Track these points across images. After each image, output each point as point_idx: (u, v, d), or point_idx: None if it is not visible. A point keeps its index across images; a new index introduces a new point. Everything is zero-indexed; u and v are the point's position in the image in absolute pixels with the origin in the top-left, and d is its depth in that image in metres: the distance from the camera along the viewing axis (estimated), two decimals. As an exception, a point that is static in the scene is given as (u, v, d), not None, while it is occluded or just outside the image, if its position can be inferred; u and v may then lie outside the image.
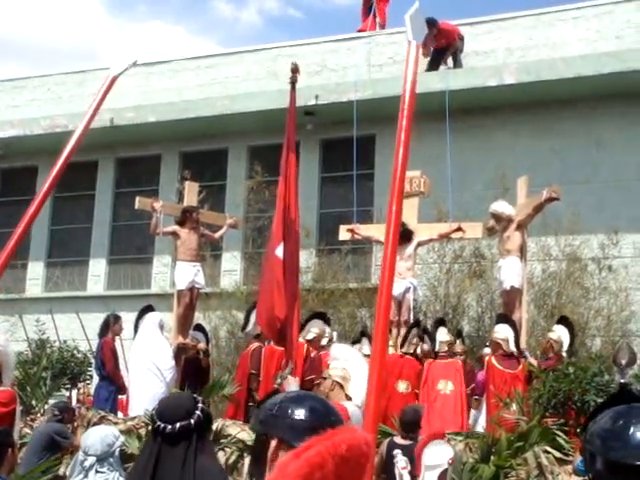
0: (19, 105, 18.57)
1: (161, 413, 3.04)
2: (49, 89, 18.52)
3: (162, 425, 2.99)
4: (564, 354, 9.79)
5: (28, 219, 2.93)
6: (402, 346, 10.40)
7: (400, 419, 7.85)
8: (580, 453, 2.05)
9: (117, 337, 11.17)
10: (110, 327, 11.01)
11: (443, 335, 10.29)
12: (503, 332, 9.84)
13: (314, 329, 10.49)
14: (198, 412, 3.04)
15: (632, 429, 1.94)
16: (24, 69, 49.64)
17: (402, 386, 9.92)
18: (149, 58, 18.13)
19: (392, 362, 10.02)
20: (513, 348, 9.71)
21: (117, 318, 11.19)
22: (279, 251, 8.54)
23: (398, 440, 7.52)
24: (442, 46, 14.73)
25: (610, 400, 2.11)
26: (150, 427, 3.11)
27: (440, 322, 10.94)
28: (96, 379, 11.70)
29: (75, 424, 8.86)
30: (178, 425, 2.97)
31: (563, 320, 10.52)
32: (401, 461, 7.54)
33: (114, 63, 3.35)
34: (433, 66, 14.87)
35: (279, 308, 8.40)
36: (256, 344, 10.43)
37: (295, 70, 9.10)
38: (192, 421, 2.99)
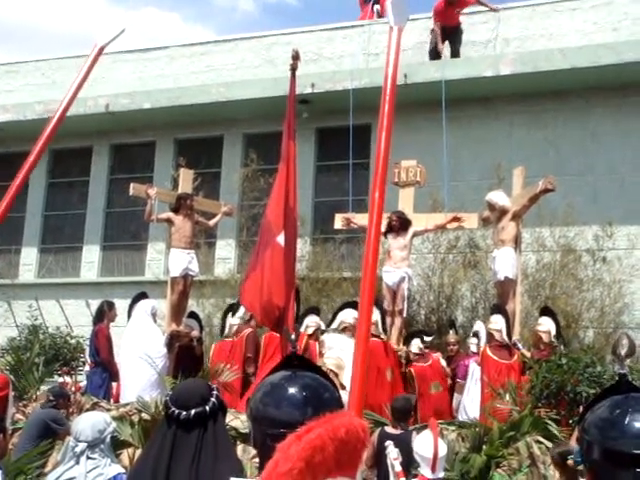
0: (13, 90, 18.48)
1: (175, 399, 3.03)
2: (44, 74, 18.43)
3: (177, 411, 2.98)
4: (555, 344, 9.85)
5: (7, 202, 2.90)
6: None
7: (391, 408, 7.86)
8: (577, 442, 2.06)
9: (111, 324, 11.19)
10: (105, 314, 11.01)
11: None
12: (499, 323, 9.90)
13: (312, 323, 10.50)
14: (213, 399, 3.02)
15: (629, 418, 1.96)
16: (19, 54, 49.48)
17: (434, 388, 10.05)
18: (144, 44, 18.08)
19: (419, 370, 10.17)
20: (506, 338, 9.77)
21: (111, 305, 11.20)
22: (280, 239, 8.52)
23: (389, 430, 7.53)
24: (456, 24, 14.77)
25: (608, 390, 2.11)
26: (164, 413, 3.09)
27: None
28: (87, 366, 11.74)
29: (70, 410, 8.85)
30: (193, 412, 2.96)
31: (546, 310, 10.57)
32: (392, 452, 7.55)
33: (102, 33, 3.31)
34: (435, 53, 14.87)
35: (278, 296, 8.40)
36: (249, 329, 10.45)
37: (296, 57, 9.07)
38: (207, 408, 2.98)
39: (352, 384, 1.85)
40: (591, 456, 1.97)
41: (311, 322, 10.54)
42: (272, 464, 1.49)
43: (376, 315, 10.23)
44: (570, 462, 6.15)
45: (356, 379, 1.85)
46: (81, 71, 3.02)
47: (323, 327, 10.61)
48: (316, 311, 11.09)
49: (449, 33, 14.85)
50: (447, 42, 14.91)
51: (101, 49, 3.24)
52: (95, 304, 12.25)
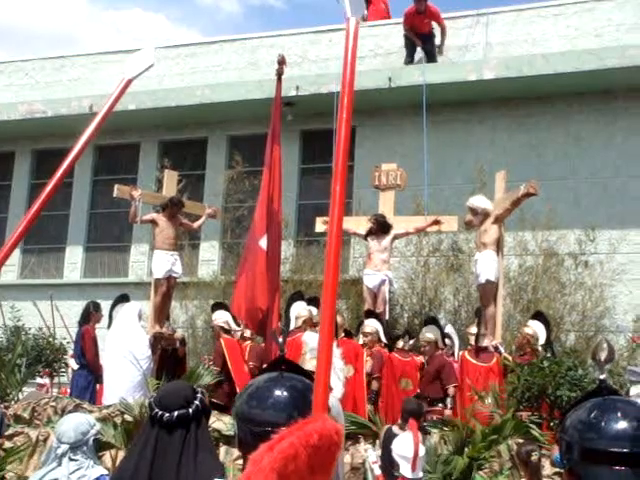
0: (-4, 90, 18.40)
1: (159, 401, 3.04)
2: (27, 74, 18.35)
3: (160, 413, 2.99)
4: (539, 349, 9.85)
5: (38, 206, 2.89)
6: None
7: (402, 409, 7.89)
8: (557, 444, 2.15)
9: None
10: (91, 315, 11.00)
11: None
12: (476, 327, 10.01)
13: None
14: (197, 402, 3.04)
15: (606, 419, 2.04)
16: (1, 54, 49.19)
17: (404, 383, 10.08)
18: (129, 45, 18.05)
19: (396, 361, 10.20)
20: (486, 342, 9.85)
21: (97, 306, 11.20)
22: (263, 242, 8.56)
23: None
24: (428, 31, 14.82)
25: (588, 395, 2.19)
26: (148, 414, 3.11)
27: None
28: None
29: None
30: (176, 413, 2.98)
31: (538, 315, 10.58)
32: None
33: (129, 65, 3.31)
34: (410, 49, 14.96)
35: (261, 299, 8.43)
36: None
37: (282, 62, 9.06)
38: (190, 410, 3.00)
39: (316, 386, 1.87)
40: (570, 456, 2.05)
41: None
42: (245, 476, 1.50)
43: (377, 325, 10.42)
44: (534, 458, 6.21)
45: (320, 381, 1.87)
46: (107, 103, 3.01)
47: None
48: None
49: (422, 39, 14.92)
50: (421, 48, 15.00)
51: (128, 82, 3.23)
52: (78, 305, 12.21)
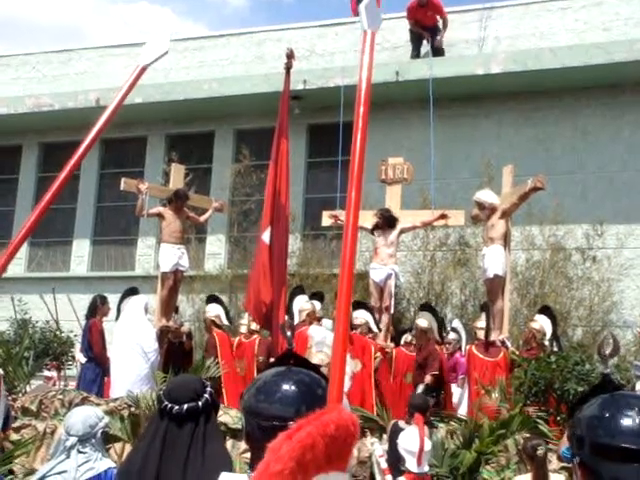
0: (3, 83, 18.41)
1: (169, 393, 3.05)
2: (34, 67, 18.37)
3: (169, 405, 2.99)
4: (546, 343, 9.85)
5: (48, 199, 2.87)
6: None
7: (408, 403, 7.90)
8: (567, 439, 2.16)
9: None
10: (98, 309, 11.03)
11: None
12: (484, 322, 9.98)
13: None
14: (206, 395, 3.05)
15: (618, 416, 2.06)
16: (8, 47, 49.21)
17: (409, 378, 10.10)
18: (135, 39, 18.04)
19: (401, 356, 10.19)
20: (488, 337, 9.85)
21: (104, 299, 11.22)
22: (266, 236, 8.58)
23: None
24: (432, 24, 14.79)
25: (594, 389, 2.22)
26: (157, 407, 3.11)
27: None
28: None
29: None
30: (186, 406, 2.98)
31: (545, 309, 10.56)
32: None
33: (144, 52, 3.30)
34: (416, 43, 14.95)
35: (265, 293, 8.44)
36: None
37: (291, 56, 9.05)
38: (200, 403, 3.00)
39: (332, 377, 1.88)
40: (582, 452, 2.06)
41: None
42: (264, 465, 1.50)
43: (367, 316, 10.38)
44: (540, 452, 6.20)
45: (336, 373, 1.87)
46: (120, 93, 3.00)
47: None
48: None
49: (433, 31, 14.91)
50: (427, 42, 14.99)
51: (143, 69, 3.21)
52: (85, 298, 12.23)
